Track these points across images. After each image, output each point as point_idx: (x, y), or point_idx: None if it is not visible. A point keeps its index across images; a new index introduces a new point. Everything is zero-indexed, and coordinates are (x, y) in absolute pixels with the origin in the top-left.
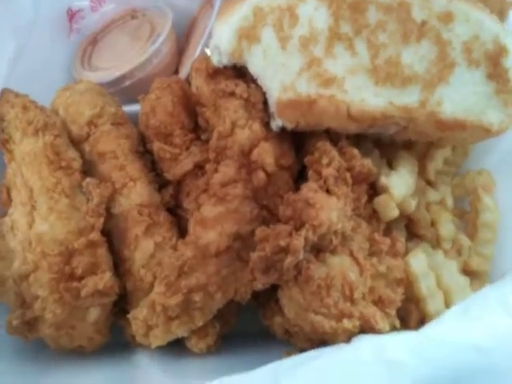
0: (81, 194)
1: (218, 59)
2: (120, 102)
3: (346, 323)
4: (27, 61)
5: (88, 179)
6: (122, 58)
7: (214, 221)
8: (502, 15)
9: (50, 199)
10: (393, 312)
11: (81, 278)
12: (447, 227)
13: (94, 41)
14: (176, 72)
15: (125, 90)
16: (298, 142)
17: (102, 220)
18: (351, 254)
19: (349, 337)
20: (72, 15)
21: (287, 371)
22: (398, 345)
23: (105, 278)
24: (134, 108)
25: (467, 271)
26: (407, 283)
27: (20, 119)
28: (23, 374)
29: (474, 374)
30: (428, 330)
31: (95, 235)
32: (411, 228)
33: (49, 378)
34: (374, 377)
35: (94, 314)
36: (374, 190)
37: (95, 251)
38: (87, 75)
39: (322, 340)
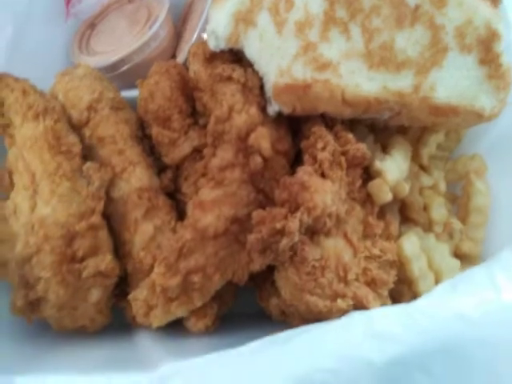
0: (81, 178)
1: (215, 44)
2: (118, 87)
3: (340, 303)
4: (25, 45)
5: (88, 163)
6: (119, 42)
7: (212, 204)
8: (495, 0)
9: (51, 183)
10: (385, 293)
11: (82, 260)
12: (439, 211)
13: (91, 25)
14: (173, 56)
15: (123, 74)
16: (295, 127)
17: (102, 203)
18: (345, 237)
19: (342, 315)
20: None
21: (282, 343)
22: (387, 317)
23: (106, 260)
24: (132, 93)
25: (459, 254)
26: (400, 265)
27: (20, 103)
28: (23, 355)
29: (463, 344)
30: (417, 303)
31: (96, 218)
32: (404, 212)
33: (49, 357)
34: (364, 347)
35: (95, 294)
36: (368, 174)
37: (96, 234)
38: (85, 59)
39: (317, 319)
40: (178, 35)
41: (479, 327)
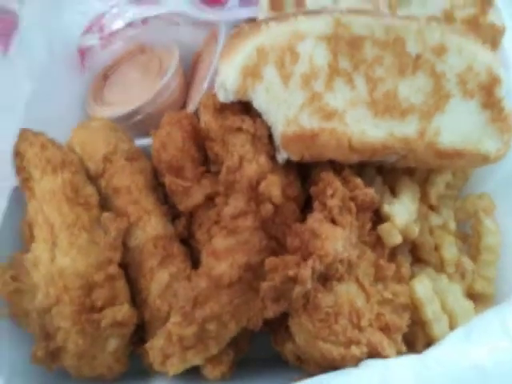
0: (99, 228)
1: (224, 96)
2: (132, 136)
3: (354, 350)
4: (43, 101)
5: (105, 214)
6: (132, 93)
7: (225, 252)
8: (494, 43)
9: (70, 235)
10: (399, 338)
11: (101, 310)
12: (451, 251)
13: (105, 76)
14: (184, 105)
15: (136, 123)
16: (304, 172)
17: (119, 253)
18: (357, 281)
19: (357, 363)
20: (83, 53)
21: None
22: (402, 369)
23: (123, 310)
24: (146, 141)
25: (472, 294)
26: (413, 307)
27: (39, 158)
28: None
29: None
30: (431, 353)
31: (113, 268)
32: (415, 252)
33: None
34: None
35: (113, 343)
36: (378, 216)
37: (114, 284)
38: (100, 111)
39: (331, 366)
40: (188, 84)
41: (492, 378)
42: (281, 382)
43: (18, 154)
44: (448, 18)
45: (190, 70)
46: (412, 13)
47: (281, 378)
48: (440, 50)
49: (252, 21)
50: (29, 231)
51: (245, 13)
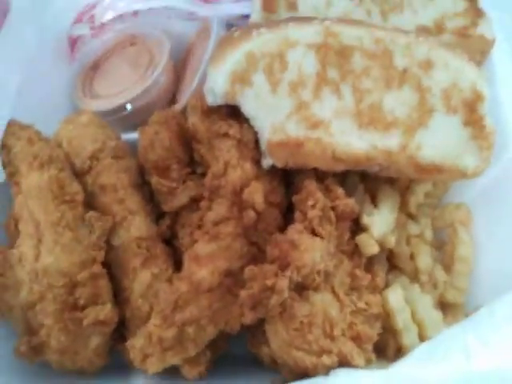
0: (83, 226)
1: (213, 100)
2: (119, 130)
3: (326, 359)
4: (32, 89)
5: (90, 213)
6: (121, 86)
7: (206, 258)
8: (483, 55)
9: (55, 233)
10: (369, 347)
11: (83, 308)
12: (425, 260)
13: (94, 67)
14: (174, 99)
15: (124, 117)
16: (288, 177)
17: (102, 253)
18: (333, 291)
19: (328, 371)
20: (73, 43)
21: None
22: (368, 382)
23: (105, 309)
24: (133, 136)
25: (443, 303)
26: (385, 316)
27: (26, 153)
28: None
29: None
30: (396, 368)
31: (97, 268)
32: (392, 260)
33: None
34: None
35: (95, 341)
36: (357, 225)
37: (97, 283)
38: (88, 103)
39: (304, 373)
40: (178, 77)
41: None
42: (258, 379)
43: (4, 147)
44: (438, 28)
45: (181, 62)
46: (404, 21)
47: (257, 376)
48: (427, 65)
49: (244, 18)
50: (14, 226)
51: (237, 9)
